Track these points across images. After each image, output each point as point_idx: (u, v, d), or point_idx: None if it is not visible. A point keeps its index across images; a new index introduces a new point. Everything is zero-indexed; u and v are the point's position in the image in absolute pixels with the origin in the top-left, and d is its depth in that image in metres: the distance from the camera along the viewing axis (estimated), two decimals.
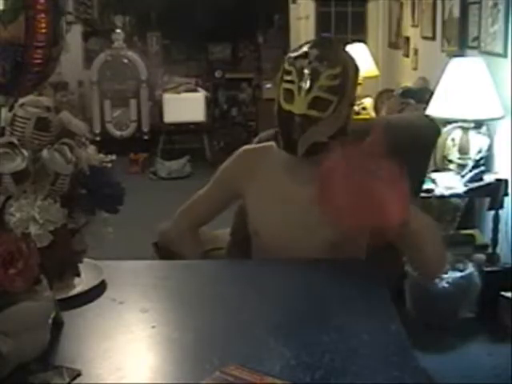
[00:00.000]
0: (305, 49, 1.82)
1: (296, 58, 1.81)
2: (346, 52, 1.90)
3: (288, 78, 1.81)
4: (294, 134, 1.79)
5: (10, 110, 1.37)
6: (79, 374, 1.20)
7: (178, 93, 7.15)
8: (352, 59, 1.88)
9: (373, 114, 5.79)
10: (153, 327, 1.39)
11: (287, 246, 1.83)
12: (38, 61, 1.36)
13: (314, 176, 1.64)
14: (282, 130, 1.84)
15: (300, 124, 1.77)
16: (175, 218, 2.15)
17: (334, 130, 1.81)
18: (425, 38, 5.20)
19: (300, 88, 1.77)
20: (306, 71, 1.77)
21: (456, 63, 3.47)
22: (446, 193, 3.41)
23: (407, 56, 5.85)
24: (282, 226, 1.86)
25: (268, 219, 1.89)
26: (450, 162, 3.65)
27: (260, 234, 1.92)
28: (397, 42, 6.40)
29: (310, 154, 1.80)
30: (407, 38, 5.88)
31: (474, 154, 3.52)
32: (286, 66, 1.83)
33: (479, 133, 3.58)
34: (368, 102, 5.97)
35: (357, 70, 1.87)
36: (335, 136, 1.81)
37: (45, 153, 1.32)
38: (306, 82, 1.77)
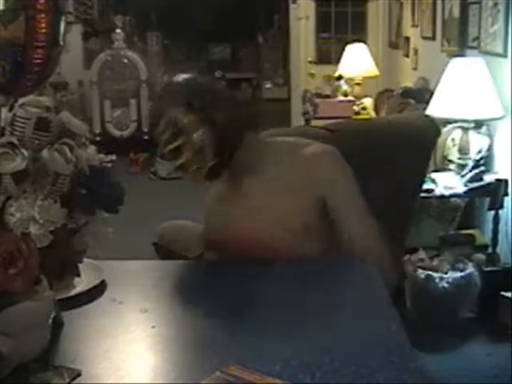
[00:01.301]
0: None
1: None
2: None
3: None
4: (192, 179, 1.88)
5: (10, 110, 1.37)
6: (79, 374, 1.20)
7: None
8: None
9: (373, 114, 5.79)
10: (153, 327, 1.39)
11: (258, 246, 1.84)
12: (38, 61, 1.36)
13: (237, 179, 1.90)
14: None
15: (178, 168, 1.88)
16: None
17: (210, 154, 1.82)
18: (425, 37, 5.20)
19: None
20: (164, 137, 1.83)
21: (456, 63, 3.47)
22: (446, 193, 3.41)
23: (407, 56, 5.85)
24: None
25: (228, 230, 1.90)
26: (450, 161, 3.65)
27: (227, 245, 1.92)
28: (397, 41, 6.40)
29: (213, 176, 1.87)
30: (407, 38, 5.89)
31: (474, 154, 3.52)
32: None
33: (479, 133, 3.58)
34: (368, 102, 5.97)
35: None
36: (225, 142, 1.83)
37: (45, 153, 1.32)
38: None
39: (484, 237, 3.60)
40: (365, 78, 6.28)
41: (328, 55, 7.44)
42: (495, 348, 3.01)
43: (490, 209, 3.45)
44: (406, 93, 4.90)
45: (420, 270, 3.23)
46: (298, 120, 6.74)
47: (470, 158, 3.50)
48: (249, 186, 1.90)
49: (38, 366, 1.22)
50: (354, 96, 6.17)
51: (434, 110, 3.42)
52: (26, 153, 1.29)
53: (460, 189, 3.41)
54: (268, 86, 7.88)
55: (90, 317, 1.46)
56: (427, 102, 3.59)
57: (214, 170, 1.85)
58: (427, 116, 3.10)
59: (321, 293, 1.56)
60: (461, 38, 4.17)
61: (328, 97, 6.43)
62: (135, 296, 1.60)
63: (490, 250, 3.45)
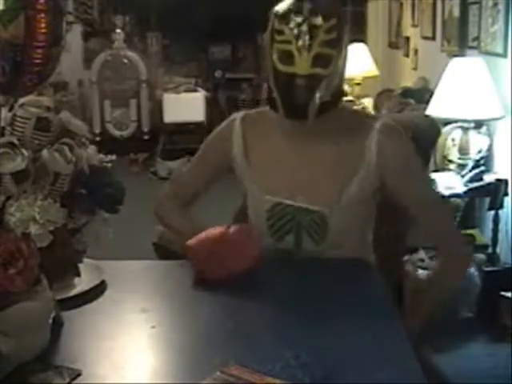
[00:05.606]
0: (295, 3, 1.67)
1: (287, 14, 1.67)
2: (336, 0, 1.79)
3: (282, 38, 1.66)
4: (301, 98, 1.67)
5: (10, 110, 1.37)
6: (79, 374, 1.20)
7: (178, 93, 7.16)
8: (342, 8, 1.79)
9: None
10: (153, 327, 1.39)
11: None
12: (38, 61, 1.36)
13: (323, 136, 1.75)
14: (284, 95, 1.70)
15: (306, 86, 1.65)
16: (162, 196, 2.00)
17: (334, 87, 1.71)
18: (425, 37, 5.20)
19: (300, 47, 1.64)
20: (304, 28, 1.64)
21: (456, 63, 3.47)
22: (446, 193, 3.41)
23: (407, 56, 5.85)
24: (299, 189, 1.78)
25: (279, 185, 1.78)
26: (450, 161, 3.65)
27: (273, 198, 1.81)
28: (397, 41, 6.39)
29: (316, 116, 1.70)
30: (407, 38, 5.88)
31: (474, 154, 3.52)
32: (277, 25, 1.67)
33: (479, 133, 3.58)
34: (368, 102, 5.97)
35: (347, 19, 1.78)
36: (334, 94, 1.73)
37: (45, 153, 1.32)
38: (305, 40, 1.64)
39: (484, 237, 3.59)
40: (365, 78, 6.27)
41: None
42: (495, 348, 3.01)
43: (489, 209, 3.44)
44: (406, 93, 4.90)
45: (420, 270, 3.23)
46: None
47: (470, 158, 3.50)
48: (316, 153, 1.77)
49: (38, 366, 1.22)
50: (354, 96, 6.17)
51: (434, 109, 3.42)
52: (26, 153, 1.29)
53: (460, 189, 3.41)
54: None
55: (90, 317, 1.46)
56: (427, 102, 3.59)
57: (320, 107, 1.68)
58: (427, 116, 3.10)
59: (321, 293, 1.56)
60: (461, 38, 4.17)
61: None
62: (135, 296, 1.60)
63: (490, 249, 3.45)
